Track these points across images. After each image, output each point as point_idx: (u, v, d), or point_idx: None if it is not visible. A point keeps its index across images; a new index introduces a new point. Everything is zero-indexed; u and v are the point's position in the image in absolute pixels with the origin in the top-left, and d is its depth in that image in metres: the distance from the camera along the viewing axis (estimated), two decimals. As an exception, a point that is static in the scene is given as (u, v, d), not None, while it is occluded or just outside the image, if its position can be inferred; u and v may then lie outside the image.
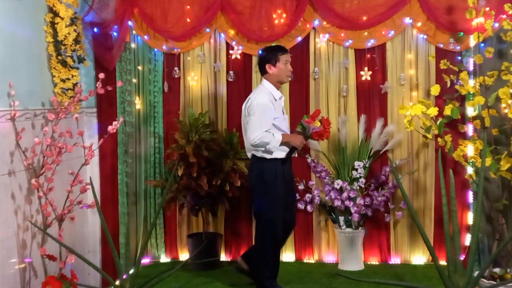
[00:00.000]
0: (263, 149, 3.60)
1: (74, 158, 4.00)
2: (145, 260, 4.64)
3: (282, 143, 3.59)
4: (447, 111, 3.97)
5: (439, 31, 4.31)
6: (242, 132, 3.77)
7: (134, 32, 4.51)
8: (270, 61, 3.70)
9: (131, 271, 3.22)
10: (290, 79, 3.88)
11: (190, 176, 4.18)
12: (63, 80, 3.94)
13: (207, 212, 4.46)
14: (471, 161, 4.04)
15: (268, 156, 3.63)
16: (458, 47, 4.29)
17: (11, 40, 3.45)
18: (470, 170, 4.10)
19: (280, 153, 3.64)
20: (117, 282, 3.10)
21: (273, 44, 4.12)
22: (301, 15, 4.37)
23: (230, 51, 4.55)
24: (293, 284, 4.00)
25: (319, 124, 3.59)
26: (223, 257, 4.68)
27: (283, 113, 3.76)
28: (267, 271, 3.72)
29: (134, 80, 4.55)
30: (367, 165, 4.39)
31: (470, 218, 4.38)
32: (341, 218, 4.35)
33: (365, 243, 4.48)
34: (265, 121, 3.57)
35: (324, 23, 4.41)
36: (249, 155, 3.79)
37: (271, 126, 3.60)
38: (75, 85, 3.98)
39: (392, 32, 4.37)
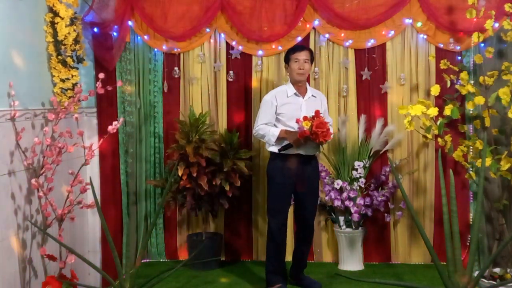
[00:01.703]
0: (263, 140, 3.82)
1: (74, 158, 4.00)
2: (145, 260, 4.64)
3: (281, 138, 3.69)
4: (447, 111, 3.97)
5: (439, 31, 4.31)
6: None
7: (134, 32, 4.50)
8: (286, 62, 3.85)
9: (131, 271, 3.21)
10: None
11: (190, 176, 4.18)
12: (62, 80, 3.93)
13: (207, 212, 4.46)
14: (471, 161, 4.04)
15: (269, 149, 3.80)
16: (458, 47, 4.29)
17: (11, 40, 3.45)
18: (470, 170, 4.10)
19: (275, 147, 3.73)
20: (117, 282, 3.09)
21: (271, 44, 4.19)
22: (301, 15, 4.37)
23: (230, 51, 4.55)
24: (293, 284, 3.99)
25: (308, 125, 3.51)
26: (223, 257, 4.68)
27: (301, 110, 3.73)
28: (270, 264, 3.83)
29: (134, 80, 4.54)
30: (367, 165, 4.39)
31: (470, 218, 4.38)
32: (341, 218, 4.35)
33: (365, 243, 4.48)
34: (264, 115, 3.76)
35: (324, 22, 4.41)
36: None
37: (272, 120, 3.75)
38: (74, 85, 3.98)
39: (392, 32, 4.36)
